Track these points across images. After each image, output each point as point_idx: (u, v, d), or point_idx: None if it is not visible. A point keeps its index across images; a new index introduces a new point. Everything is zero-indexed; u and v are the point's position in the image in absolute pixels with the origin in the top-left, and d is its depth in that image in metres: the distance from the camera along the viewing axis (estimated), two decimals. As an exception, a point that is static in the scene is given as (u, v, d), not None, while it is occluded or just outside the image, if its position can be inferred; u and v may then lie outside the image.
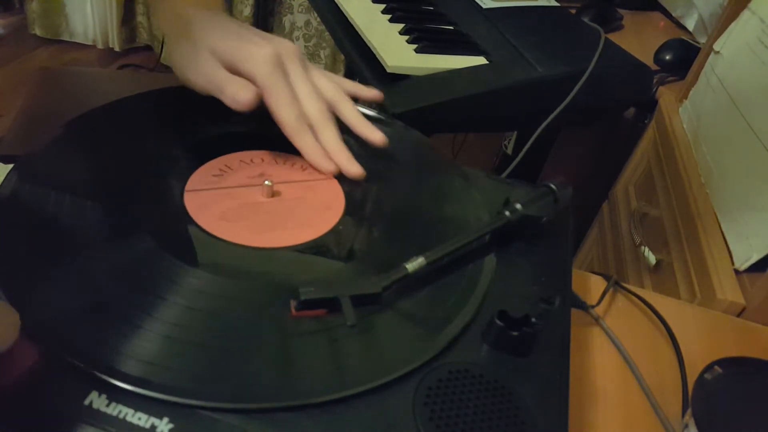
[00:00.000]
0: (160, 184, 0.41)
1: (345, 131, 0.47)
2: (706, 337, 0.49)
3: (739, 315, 0.55)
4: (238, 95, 0.43)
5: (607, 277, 0.51)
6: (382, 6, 0.86)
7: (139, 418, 0.26)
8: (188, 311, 0.31)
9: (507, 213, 0.41)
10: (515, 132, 1.18)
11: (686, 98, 0.85)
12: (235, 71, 0.45)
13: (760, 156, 0.61)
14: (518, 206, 0.41)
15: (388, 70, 0.69)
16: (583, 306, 0.47)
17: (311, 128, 0.46)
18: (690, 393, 0.37)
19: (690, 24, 1.09)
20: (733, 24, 0.77)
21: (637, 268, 0.79)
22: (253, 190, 0.42)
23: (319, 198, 0.43)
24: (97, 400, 0.27)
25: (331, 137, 0.46)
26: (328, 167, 0.45)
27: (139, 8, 2.17)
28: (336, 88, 0.48)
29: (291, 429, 0.27)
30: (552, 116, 0.71)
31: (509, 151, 1.22)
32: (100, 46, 2.18)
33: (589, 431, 0.39)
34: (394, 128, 0.51)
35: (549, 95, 0.72)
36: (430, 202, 0.45)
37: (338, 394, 0.29)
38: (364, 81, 0.72)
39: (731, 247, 0.60)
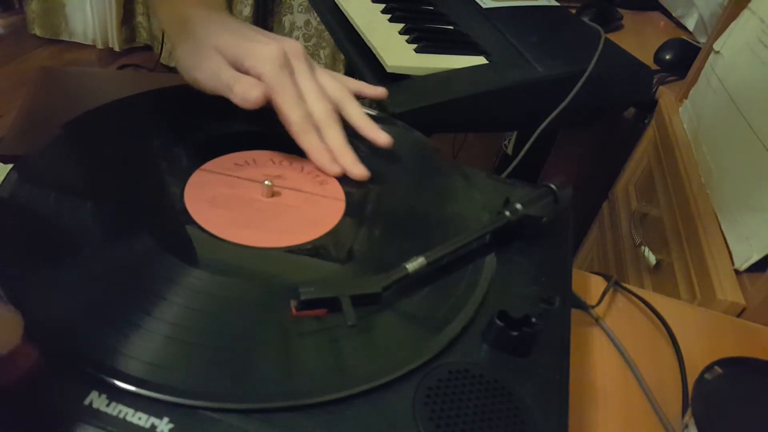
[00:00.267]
0: (160, 183, 0.41)
1: (349, 132, 0.47)
2: (706, 337, 0.49)
3: (739, 315, 0.55)
4: (247, 93, 0.43)
5: (607, 277, 0.51)
6: (382, 6, 0.86)
7: (139, 418, 0.26)
8: (188, 311, 0.31)
9: (507, 213, 0.41)
10: (515, 132, 1.18)
11: (686, 98, 0.85)
12: (240, 70, 0.45)
13: (760, 156, 0.61)
14: (518, 206, 0.41)
15: (388, 70, 0.69)
16: (583, 306, 0.47)
17: (316, 128, 0.46)
18: (690, 393, 0.37)
19: (690, 24, 1.09)
20: (733, 24, 0.77)
21: (637, 268, 0.79)
22: (255, 191, 0.42)
23: (321, 198, 0.43)
24: (97, 400, 0.27)
25: (337, 138, 0.46)
26: (333, 169, 0.44)
27: (139, 8, 2.17)
28: (342, 88, 0.48)
29: (291, 429, 0.27)
30: (552, 116, 0.71)
31: (509, 151, 1.22)
32: (99, 46, 2.18)
33: (589, 431, 0.39)
34: (395, 128, 0.51)
35: (549, 95, 0.72)
36: (431, 202, 0.45)
37: (338, 393, 0.29)
38: (364, 81, 0.72)
39: (731, 248, 0.60)
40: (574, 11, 1.07)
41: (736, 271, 0.58)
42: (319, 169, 0.45)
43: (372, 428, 0.28)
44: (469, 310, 0.35)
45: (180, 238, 0.37)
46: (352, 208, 0.42)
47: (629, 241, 0.85)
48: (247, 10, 1.99)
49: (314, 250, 0.38)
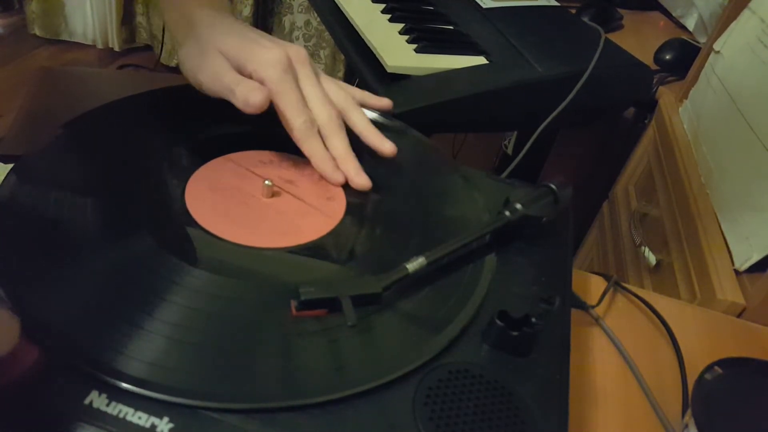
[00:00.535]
0: (160, 184, 0.42)
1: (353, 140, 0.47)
2: (706, 337, 0.49)
3: (739, 315, 0.55)
4: (249, 97, 0.42)
5: (607, 277, 0.51)
6: (382, 6, 0.86)
7: (139, 418, 0.26)
8: (188, 311, 0.32)
9: (507, 213, 0.41)
10: (515, 132, 1.18)
11: (686, 98, 0.85)
12: (243, 73, 0.44)
13: (760, 156, 0.61)
14: (518, 206, 0.41)
15: (388, 70, 0.69)
16: (583, 306, 0.47)
17: (320, 134, 0.45)
18: (690, 393, 0.37)
19: (690, 24, 1.09)
20: (733, 24, 0.77)
21: (637, 268, 0.79)
22: (256, 191, 0.42)
23: (321, 199, 0.43)
24: (98, 400, 0.27)
25: (340, 145, 0.45)
26: (336, 178, 0.44)
27: (139, 8, 2.17)
28: (346, 95, 0.48)
29: (291, 429, 0.27)
30: (552, 116, 0.71)
31: (509, 151, 1.22)
32: (99, 46, 2.18)
33: (589, 431, 0.39)
34: (394, 128, 0.51)
35: (549, 95, 0.72)
36: (431, 202, 0.45)
37: (338, 394, 0.29)
38: (364, 81, 0.72)
39: (731, 248, 0.60)
40: (574, 11, 1.07)
41: (736, 271, 0.58)
42: (321, 176, 0.45)
43: (372, 428, 0.28)
44: (469, 310, 0.35)
45: (180, 238, 0.37)
46: (353, 209, 0.42)
47: (629, 241, 0.85)
48: (247, 10, 1.98)
49: (314, 250, 0.38)
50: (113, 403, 0.27)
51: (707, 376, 0.37)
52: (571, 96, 0.72)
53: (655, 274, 0.73)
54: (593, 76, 0.73)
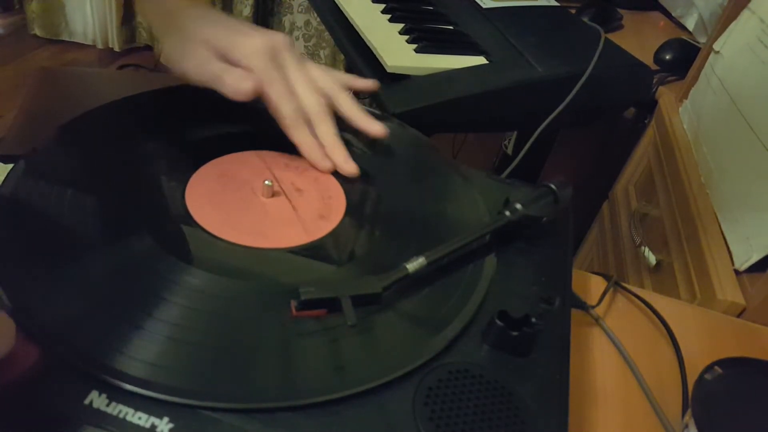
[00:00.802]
0: (161, 184, 0.42)
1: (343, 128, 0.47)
2: (706, 337, 0.49)
3: (739, 315, 0.55)
4: (238, 85, 0.43)
5: (607, 277, 0.51)
6: (382, 6, 0.86)
7: (139, 418, 0.26)
8: (188, 311, 0.32)
9: (507, 213, 0.41)
10: (515, 132, 1.18)
11: (686, 98, 0.85)
12: (228, 62, 0.45)
13: (760, 156, 0.61)
14: (518, 206, 0.41)
15: (388, 70, 0.69)
16: (583, 306, 0.47)
17: (308, 122, 0.45)
18: (690, 393, 0.37)
19: (690, 24, 1.09)
20: (733, 24, 0.77)
21: (637, 268, 0.79)
22: (256, 191, 0.42)
23: (321, 199, 0.43)
24: (98, 400, 0.27)
25: (328, 132, 0.45)
26: (324, 165, 0.44)
27: (139, 8, 2.17)
28: (332, 80, 0.48)
29: (291, 429, 0.27)
30: (552, 116, 0.71)
31: (509, 151, 1.22)
32: (99, 46, 2.18)
33: (589, 431, 0.39)
34: (394, 128, 0.51)
35: (549, 95, 0.72)
36: (431, 203, 0.45)
37: (338, 394, 0.29)
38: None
39: (731, 248, 0.60)
40: (574, 11, 1.07)
41: (736, 271, 0.58)
42: (310, 164, 0.45)
43: (372, 428, 0.28)
44: (469, 310, 0.35)
45: (181, 238, 0.37)
46: (353, 209, 0.42)
47: (629, 241, 0.85)
48: (247, 10, 1.98)
49: (315, 250, 0.38)
50: (113, 403, 0.27)
51: (707, 376, 0.37)
52: (571, 96, 0.72)
53: (655, 274, 0.73)
54: (593, 76, 0.73)
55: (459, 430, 0.28)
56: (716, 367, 0.37)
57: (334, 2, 0.86)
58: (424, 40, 0.76)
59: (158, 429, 0.26)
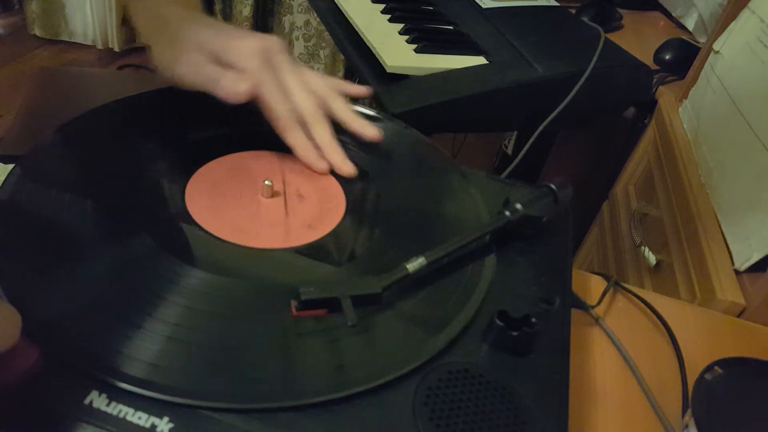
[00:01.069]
0: (161, 184, 0.42)
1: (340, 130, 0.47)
2: (706, 337, 0.49)
3: (739, 315, 0.55)
4: (234, 87, 0.43)
5: (607, 277, 0.51)
6: (382, 6, 0.86)
7: (140, 418, 0.26)
8: (188, 311, 0.31)
9: (507, 213, 0.41)
10: (515, 132, 1.18)
11: (686, 98, 0.85)
12: (222, 65, 0.44)
13: (760, 156, 0.61)
14: (518, 206, 0.41)
15: (388, 70, 0.69)
16: (583, 306, 0.47)
17: (303, 124, 0.45)
18: (690, 393, 0.37)
19: (690, 24, 1.09)
20: (733, 24, 0.77)
21: (637, 268, 0.79)
22: (256, 191, 0.42)
23: (320, 199, 0.43)
24: (98, 400, 0.27)
25: (324, 134, 0.45)
26: (320, 166, 0.44)
27: (139, 8, 2.17)
28: (326, 84, 0.48)
29: (291, 429, 0.27)
30: (552, 116, 0.71)
31: (509, 151, 1.22)
32: (99, 46, 2.18)
33: (589, 431, 0.39)
34: (394, 128, 0.51)
35: (549, 95, 0.72)
36: (431, 203, 0.45)
37: (338, 393, 0.29)
38: (364, 81, 0.72)
39: (731, 248, 0.60)
40: (574, 11, 1.07)
41: (736, 271, 0.58)
42: (306, 166, 0.45)
43: (372, 428, 0.28)
44: (469, 310, 0.35)
45: (181, 238, 0.37)
46: (353, 209, 0.42)
47: (629, 241, 0.85)
48: (247, 10, 1.99)
49: (315, 250, 0.38)
50: (113, 403, 0.27)
51: (707, 376, 0.37)
52: (570, 96, 0.72)
53: (655, 274, 0.73)
54: (593, 76, 0.73)
55: (459, 430, 0.28)
56: (716, 367, 0.37)
57: (334, 2, 0.86)
58: (424, 40, 0.76)
59: (158, 429, 0.26)
